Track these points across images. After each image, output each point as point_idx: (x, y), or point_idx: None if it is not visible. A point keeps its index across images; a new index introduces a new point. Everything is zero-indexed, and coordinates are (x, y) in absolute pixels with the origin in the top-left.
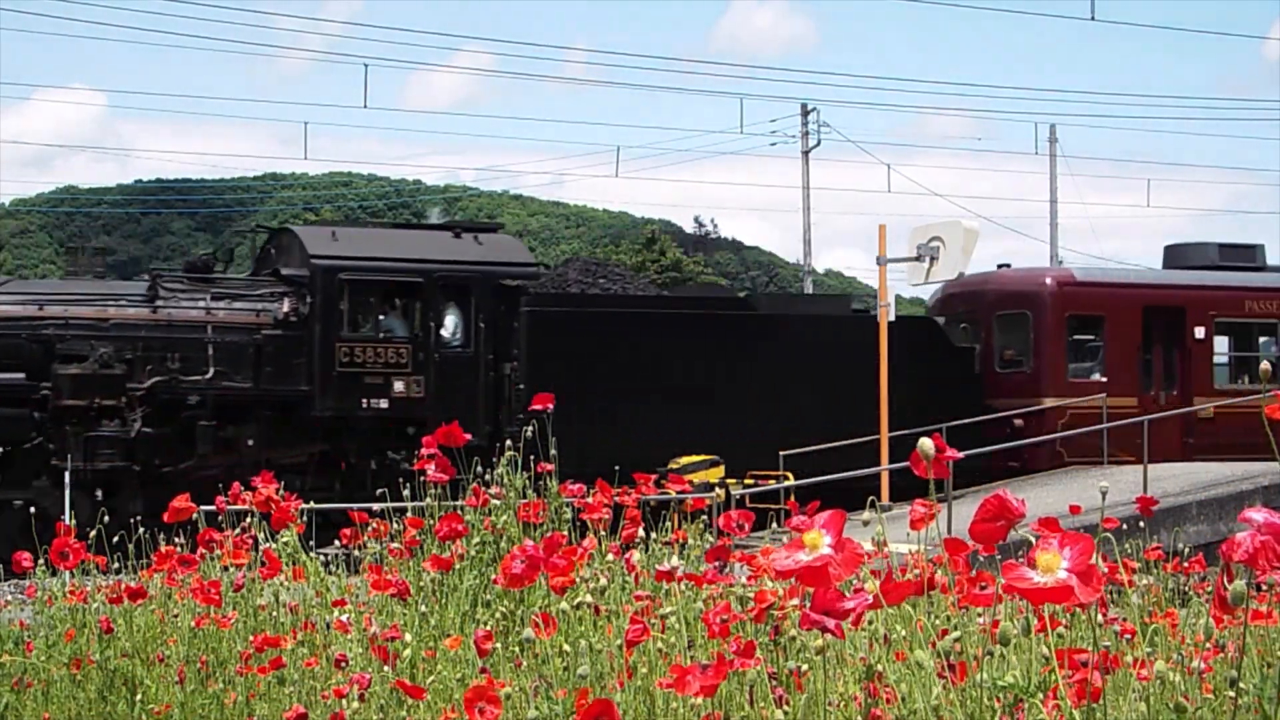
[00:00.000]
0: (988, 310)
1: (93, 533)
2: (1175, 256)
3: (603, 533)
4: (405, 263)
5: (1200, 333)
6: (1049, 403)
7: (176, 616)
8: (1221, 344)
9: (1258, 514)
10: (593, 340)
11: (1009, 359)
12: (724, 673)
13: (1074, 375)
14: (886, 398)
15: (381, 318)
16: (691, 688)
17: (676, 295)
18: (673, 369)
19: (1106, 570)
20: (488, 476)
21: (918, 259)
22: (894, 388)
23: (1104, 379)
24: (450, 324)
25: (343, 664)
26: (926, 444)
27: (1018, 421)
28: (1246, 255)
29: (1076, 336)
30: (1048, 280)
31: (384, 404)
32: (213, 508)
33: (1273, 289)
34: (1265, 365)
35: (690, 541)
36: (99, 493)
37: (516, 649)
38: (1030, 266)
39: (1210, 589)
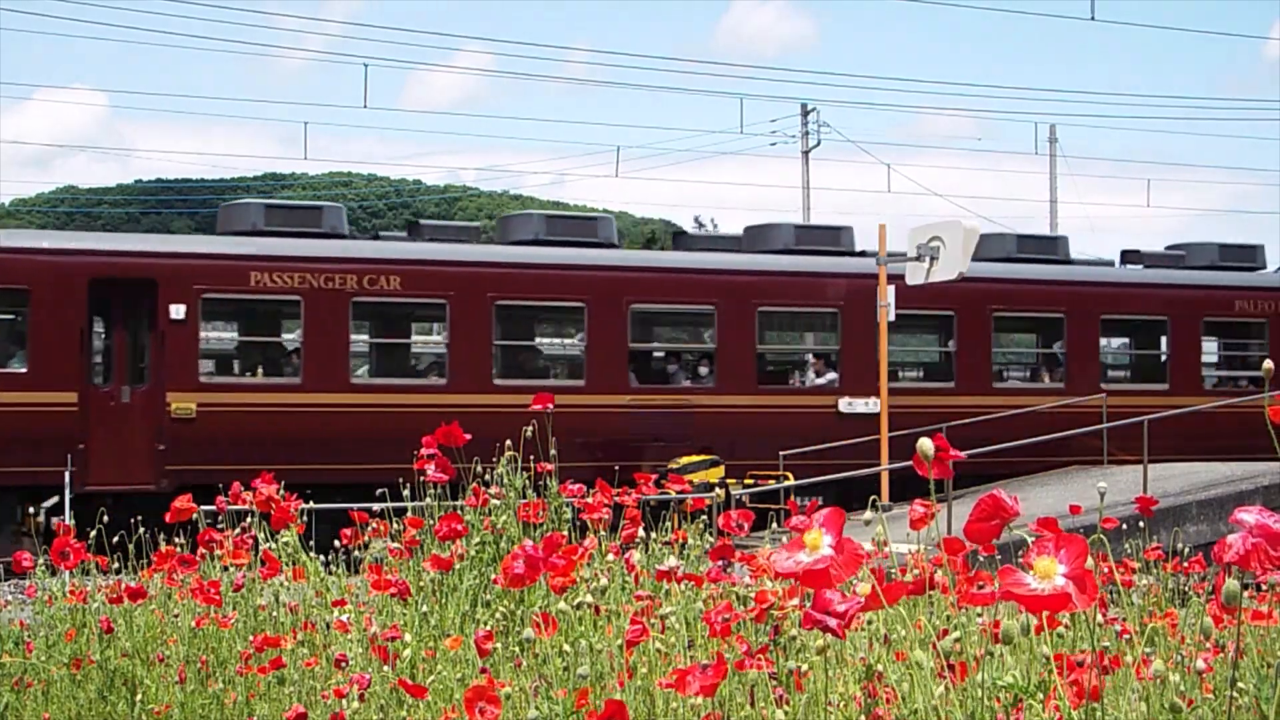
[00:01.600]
0: None
1: (93, 533)
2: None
3: (603, 533)
4: None
5: (179, 311)
6: None
7: (176, 616)
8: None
9: (1249, 515)
10: None
11: None
12: (724, 672)
13: None
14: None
15: None
16: (691, 688)
17: None
18: None
19: (1106, 570)
20: None
21: (918, 259)
22: None
23: (25, 369)
24: None
25: (343, 664)
26: (926, 444)
27: None
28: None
29: None
30: None
31: None
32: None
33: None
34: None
35: (690, 541)
36: None
37: (516, 649)
38: None
39: (1210, 589)
